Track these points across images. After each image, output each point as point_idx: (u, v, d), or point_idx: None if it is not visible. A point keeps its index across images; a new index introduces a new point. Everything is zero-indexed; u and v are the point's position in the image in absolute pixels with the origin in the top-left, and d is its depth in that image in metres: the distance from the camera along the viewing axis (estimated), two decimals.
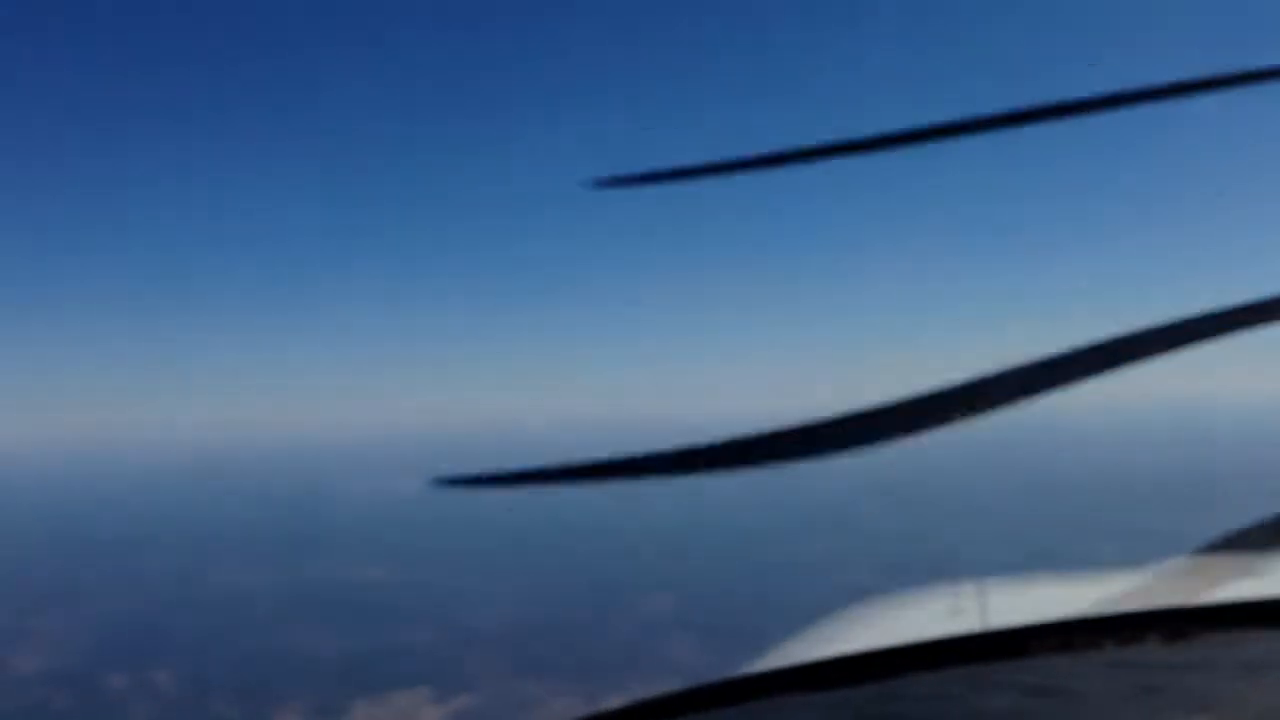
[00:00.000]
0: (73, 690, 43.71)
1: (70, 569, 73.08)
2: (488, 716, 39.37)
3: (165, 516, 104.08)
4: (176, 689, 43.14)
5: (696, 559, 66.42)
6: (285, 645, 51.05)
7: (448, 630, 52.45)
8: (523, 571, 69.47)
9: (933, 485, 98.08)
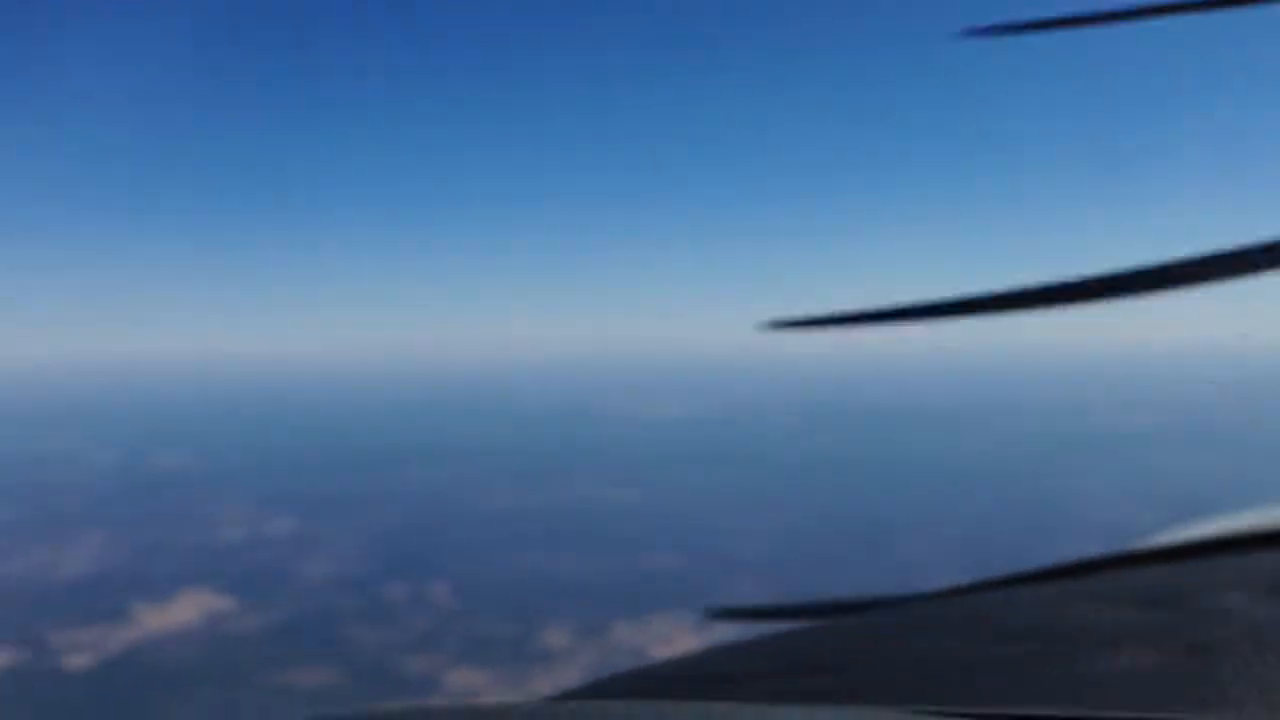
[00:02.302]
0: (356, 596, 46.70)
1: (355, 479, 78.46)
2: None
3: (440, 431, 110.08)
4: (451, 601, 45.40)
5: (966, 498, 64.13)
6: (545, 565, 52.91)
7: (705, 558, 52.91)
8: (785, 504, 69.36)
9: (1222, 426, 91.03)
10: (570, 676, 36.64)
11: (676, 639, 40.68)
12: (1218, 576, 1.44)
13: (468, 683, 35.92)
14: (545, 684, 35.37)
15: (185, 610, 44.38)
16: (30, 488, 75.01)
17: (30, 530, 60.23)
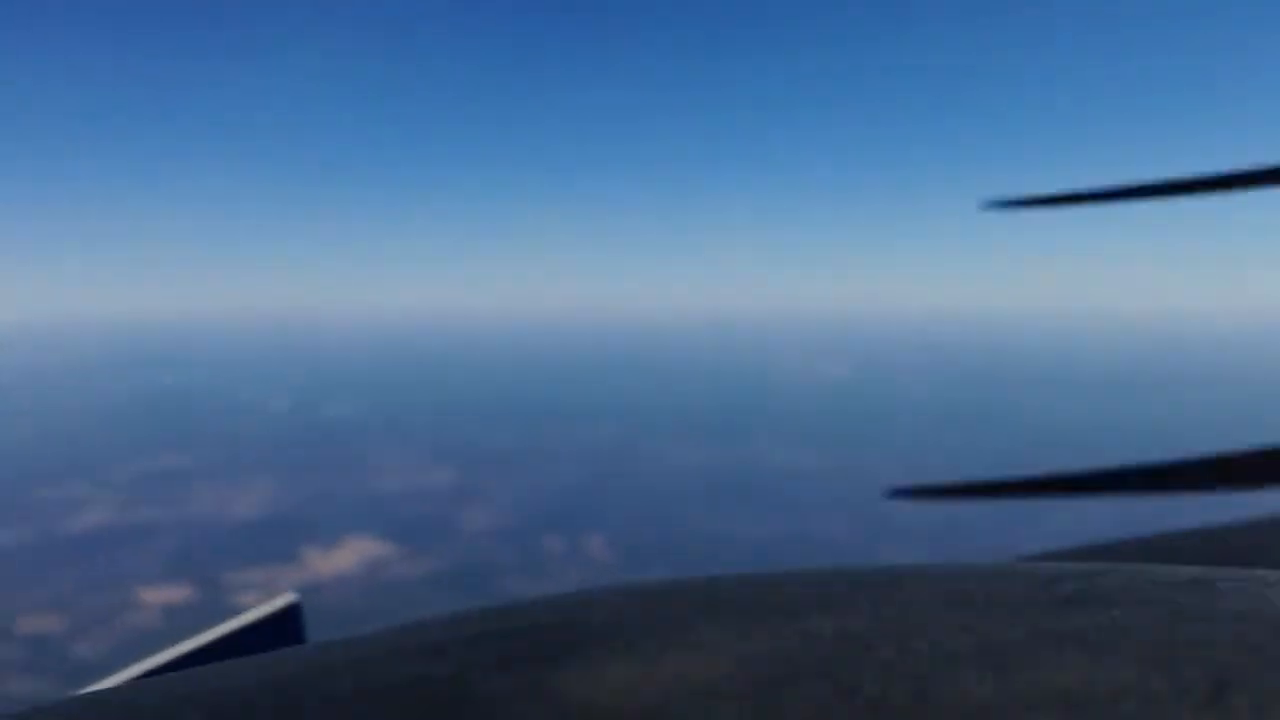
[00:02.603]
0: (514, 548, 46.54)
1: (524, 434, 79.08)
2: None
3: (613, 389, 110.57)
4: (609, 556, 44.73)
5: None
6: (710, 524, 51.80)
7: (869, 522, 50.88)
8: (955, 464, 66.61)
9: None
10: None
11: None
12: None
13: None
14: None
15: (349, 555, 45.04)
16: (211, 434, 78.27)
17: (208, 474, 62.63)
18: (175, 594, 38.97)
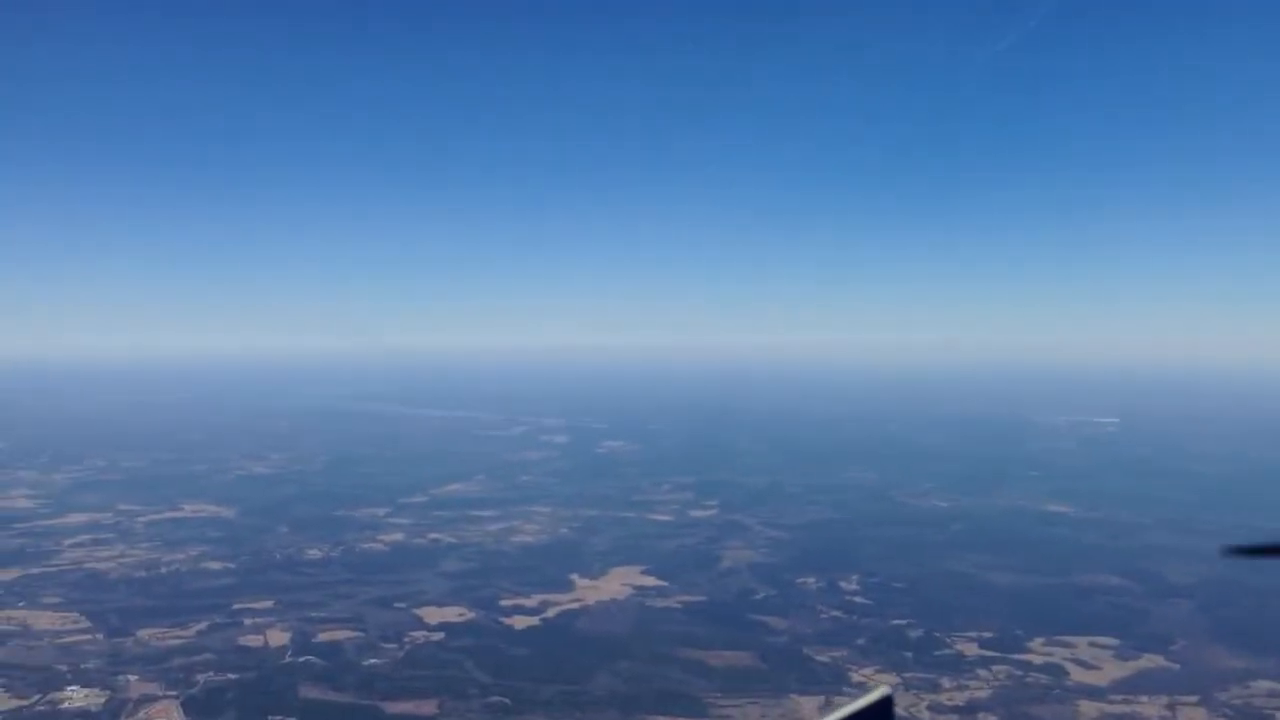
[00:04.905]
0: (772, 584, 48.18)
1: (788, 474, 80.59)
2: (1177, 685, 35.87)
3: (863, 436, 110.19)
4: (862, 596, 45.59)
5: None
6: (961, 570, 51.46)
7: (1136, 579, 49.14)
8: (1225, 525, 62.67)
9: None
10: (977, 688, 35.45)
11: (1100, 663, 37.93)
12: None
13: (874, 681, 35.82)
14: (952, 693, 34.56)
15: (615, 584, 47.87)
16: (499, 466, 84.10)
17: (495, 504, 67.68)
18: (453, 614, 42.71)
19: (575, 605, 44.25)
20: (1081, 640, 39.75)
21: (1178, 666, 37.15)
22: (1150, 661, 37.77)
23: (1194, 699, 33.86)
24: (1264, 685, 35.13)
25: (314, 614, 43.08)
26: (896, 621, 41.53)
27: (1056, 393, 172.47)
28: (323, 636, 39.88)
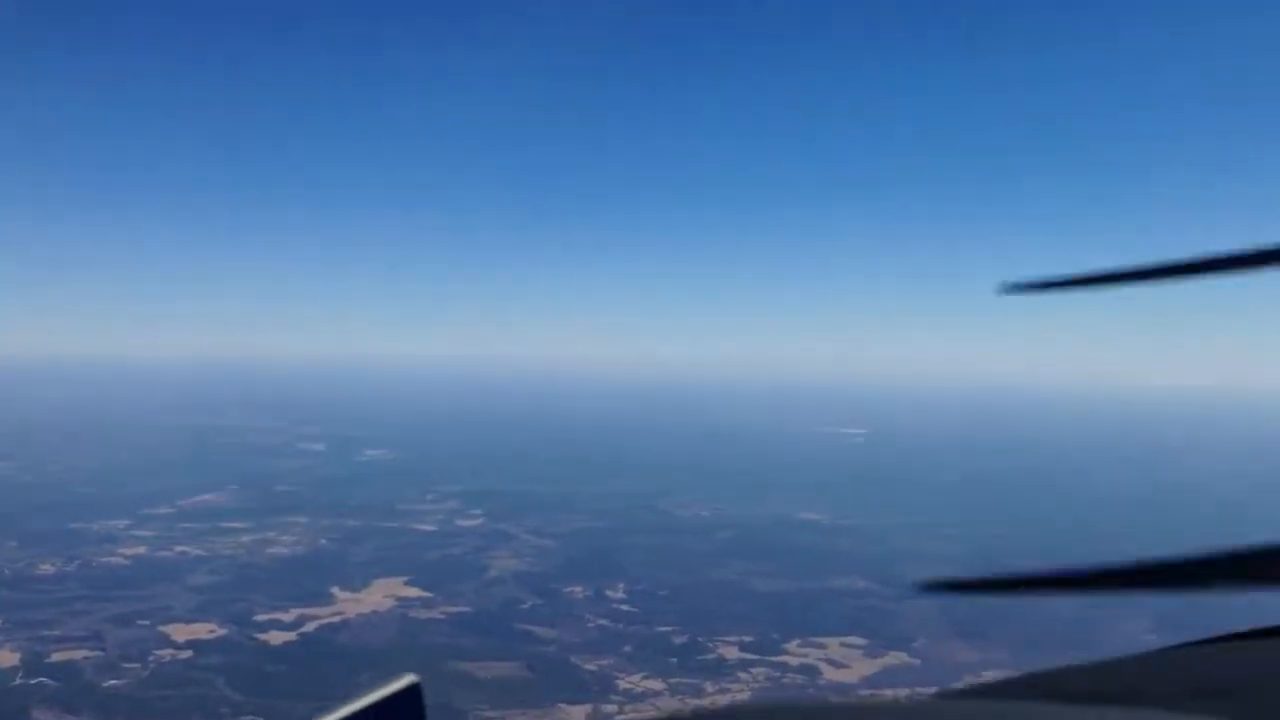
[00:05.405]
0: (539, 594, 48.06)
1: (550, 485, 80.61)
2: (919, 678, 38.26)
3: (639, 445, 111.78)
4: (628, 604, 46.22)
5: (1153, 532, 60.93)
6: (724, 577, 53.11)
7: (882, 581, 52.02)
8: (967, 530, 67.50)
9: None
10: (739, 690, 36.90)
11: (850, 662, 40.27)
12: None
13: (641, 689, 36.47)
14: (716, 695, 35.66)
15: (378, 596, 46.75)
16: (253, 475, 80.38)
17: (248, 514, 64.63)
18: (203, 630, 40.72)
19: (335, 619, 42.64)
20: (833, 641, 41.89)
21: (919, 662, 39.99)
22: (895, 659, 40.34)
23: (933, 690, 36.23)
24: (994, 674, 37.93)
25: (47, 633, 39.87)
26: (661, 628, 42.37)
27: (807, 405, 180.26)
28: (57, 656, 37.13)
